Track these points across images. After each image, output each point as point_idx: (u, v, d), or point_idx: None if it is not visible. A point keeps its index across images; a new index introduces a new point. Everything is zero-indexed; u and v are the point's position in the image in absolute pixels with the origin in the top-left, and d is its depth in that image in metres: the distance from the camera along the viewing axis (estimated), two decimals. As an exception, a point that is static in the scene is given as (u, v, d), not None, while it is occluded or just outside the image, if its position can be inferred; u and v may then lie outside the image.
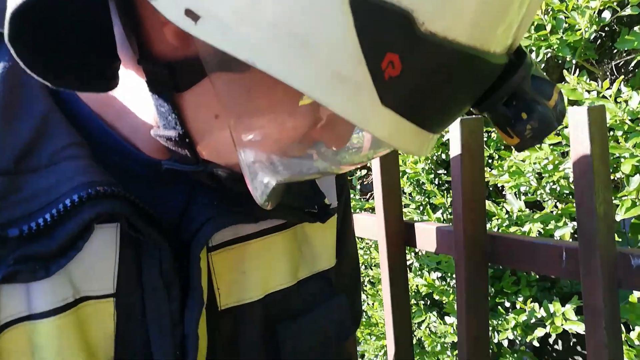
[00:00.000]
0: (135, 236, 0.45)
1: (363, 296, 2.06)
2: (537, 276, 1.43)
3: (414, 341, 1.66)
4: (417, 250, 1.64)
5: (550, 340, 1.61)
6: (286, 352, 0.57)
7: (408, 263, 1.75)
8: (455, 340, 1.41)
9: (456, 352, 1.50)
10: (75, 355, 0.43)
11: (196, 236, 0.48)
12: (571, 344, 1.50)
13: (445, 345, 1.52)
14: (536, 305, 1.31)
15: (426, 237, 1.01)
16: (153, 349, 0.47)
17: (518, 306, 1.32)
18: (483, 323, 0.88)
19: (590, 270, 0.66)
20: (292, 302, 0.58)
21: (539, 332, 1.26)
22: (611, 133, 1.03)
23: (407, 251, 1.34)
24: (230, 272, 0.53)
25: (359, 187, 2.03)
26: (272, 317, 0.57)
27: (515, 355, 1.41)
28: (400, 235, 1.06)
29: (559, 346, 1.60)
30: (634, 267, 0.65)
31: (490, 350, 1.48)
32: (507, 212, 1.29)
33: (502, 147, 1.24)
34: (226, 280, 0.53)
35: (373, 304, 1.85)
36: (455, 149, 0.85)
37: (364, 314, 2.02)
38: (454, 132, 0.84)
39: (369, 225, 1.16)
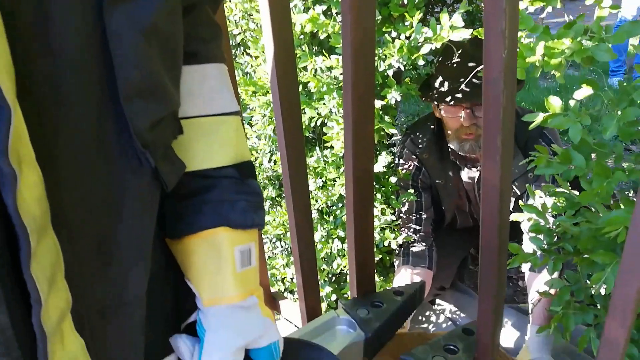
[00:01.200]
0: None
1: (244, 63, 1.89)
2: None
3: (300, 88, 1.56)
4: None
5: (436, 84, 1.59)
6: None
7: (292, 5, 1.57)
8: (341, 75, 1.31)
9: (341, 84, 1.43)
10: None
11: None
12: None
13: (332, 85, 1.44)
14: (425, 28, 1.22)
15: None
16: None
17: (407, 25, 1.22)
18: (369, 20, 0.75)
19: None
20: None
21: (425, 49, 1.19)
22: None
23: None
24: None
25: None
26: None
27: (401, 87, 1.36)
28: None
29: (444, 87, 1.59)
30: None
31: (376, 83, 1.42)
32: None
33: None
34: None
35: (257, 67, 1.69)
36: None
37: (248, 75, 1.88)
38: None
39: None
